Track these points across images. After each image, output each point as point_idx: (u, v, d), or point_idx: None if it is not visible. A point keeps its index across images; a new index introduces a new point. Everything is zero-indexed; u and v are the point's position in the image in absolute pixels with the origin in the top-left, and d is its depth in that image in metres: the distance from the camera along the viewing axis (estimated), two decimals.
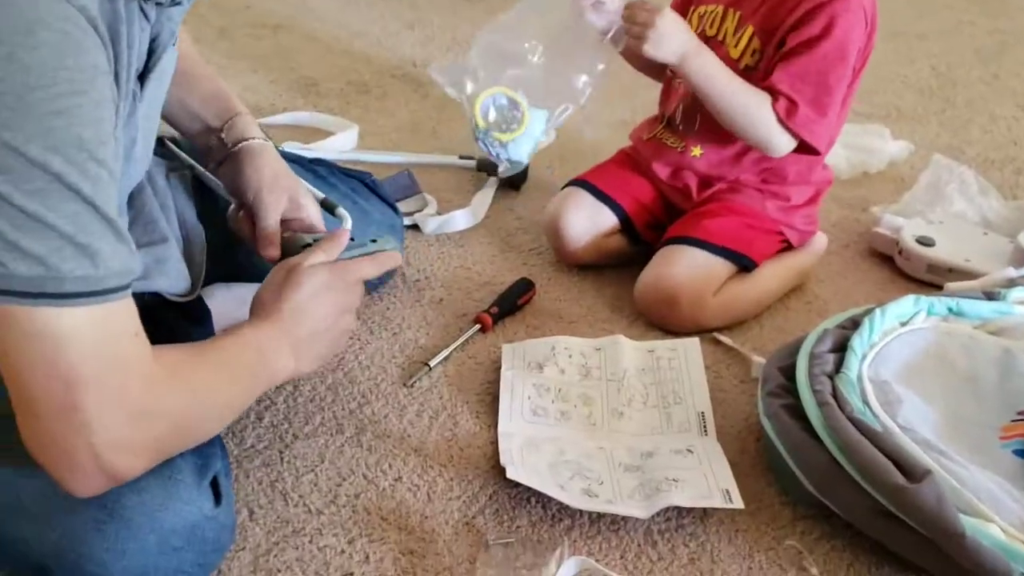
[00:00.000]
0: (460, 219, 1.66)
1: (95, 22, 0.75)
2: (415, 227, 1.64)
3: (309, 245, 1.07)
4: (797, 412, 1.09)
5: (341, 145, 1.93)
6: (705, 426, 1.20)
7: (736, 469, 1.12)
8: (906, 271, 1.58)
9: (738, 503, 1.06)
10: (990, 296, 1.28)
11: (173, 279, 1.03)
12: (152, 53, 0.90)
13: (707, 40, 1.42)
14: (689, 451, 1.15)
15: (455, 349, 1.35)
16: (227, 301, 1.34)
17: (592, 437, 1.19)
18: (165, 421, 0.83)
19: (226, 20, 2.65)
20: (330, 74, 2.30)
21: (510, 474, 1.08)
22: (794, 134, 1.35)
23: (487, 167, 1.81)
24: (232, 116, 1.16)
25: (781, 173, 1.46)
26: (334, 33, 2.56)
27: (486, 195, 1.75)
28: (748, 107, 1.35)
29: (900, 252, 1.58)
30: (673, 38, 1.33)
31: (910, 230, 1.59)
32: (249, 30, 2.58)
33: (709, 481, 1.09)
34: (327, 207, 1.22)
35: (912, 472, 0.98)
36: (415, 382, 1.29)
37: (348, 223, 1.18)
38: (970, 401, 1.13)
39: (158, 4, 0.86)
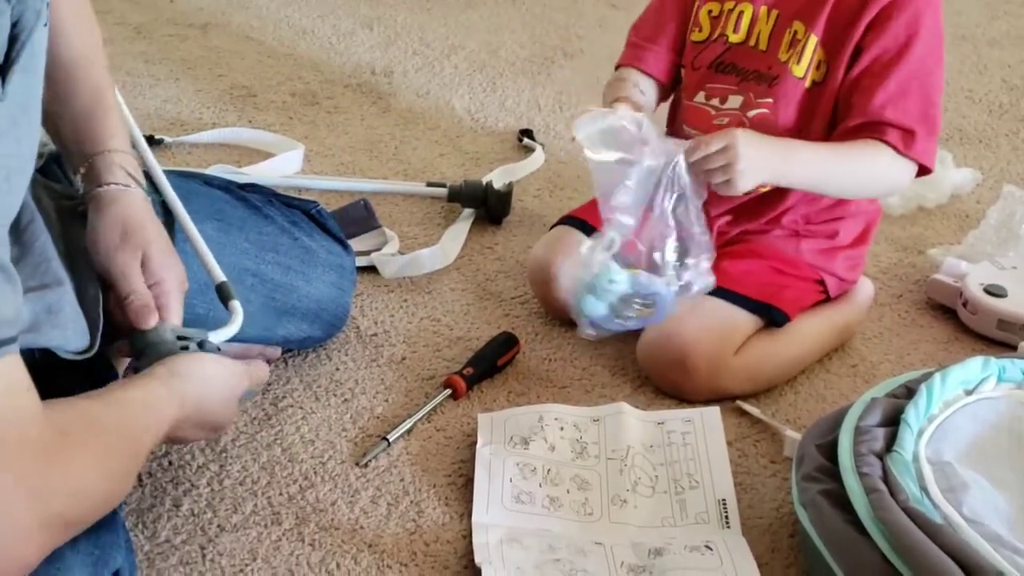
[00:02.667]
0: (427, 259, 1.67)
1: None
2: (371, 269, 1.64)
3: (186, 349, 1.09)
4: (840, 500, 1.09)
5: (282, 168, 1.94)
6: (727, 517, 1.20)
7: (765, 570, 1.12)
8: (972, 327, 1.59)
9: None
10: None
11: (70, 332, 1.03)
12: (15, 40, 0.90)
13: (726, 49, 1.45)
14: (708, 548, 1.15)
15: (420, 420, 1.35)
16: None
17: (588, 530, 1.19)
18: (64, 493, 0.84)
19: (144, 16, 2.67)
20: (270, 83, 2.32)
21: (478, 558, 1.08)
22: (914, 163, 1.39)
23: (461, 197, 1.82)
24: (93, 155, 1.14)
25: (834, 203, 1.49)
26: (275, 33, 2.58)
27: (459, 230, 1.76)
28: (861, 170, 1.39)
29: (965, 304, 1.59)
30: (760, 160, 1.32)
31: (976, 277, 1.60)
32: (172, 29, 2.60)
33: None
34: (222, 295, 1.19)
35: (980, 574, 0.98)
36: (370, 460, 1.28)
37: (234, 326, 1.17)
38: None
39: None
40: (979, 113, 2.35)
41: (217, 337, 1.13)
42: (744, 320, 1.43)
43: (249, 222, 1.34)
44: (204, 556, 1.14)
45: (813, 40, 1.41)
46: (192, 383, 1.03)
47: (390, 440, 1.31)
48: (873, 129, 1.37)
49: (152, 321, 1.09)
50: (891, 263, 1.76)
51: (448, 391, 1.39)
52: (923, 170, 1.41)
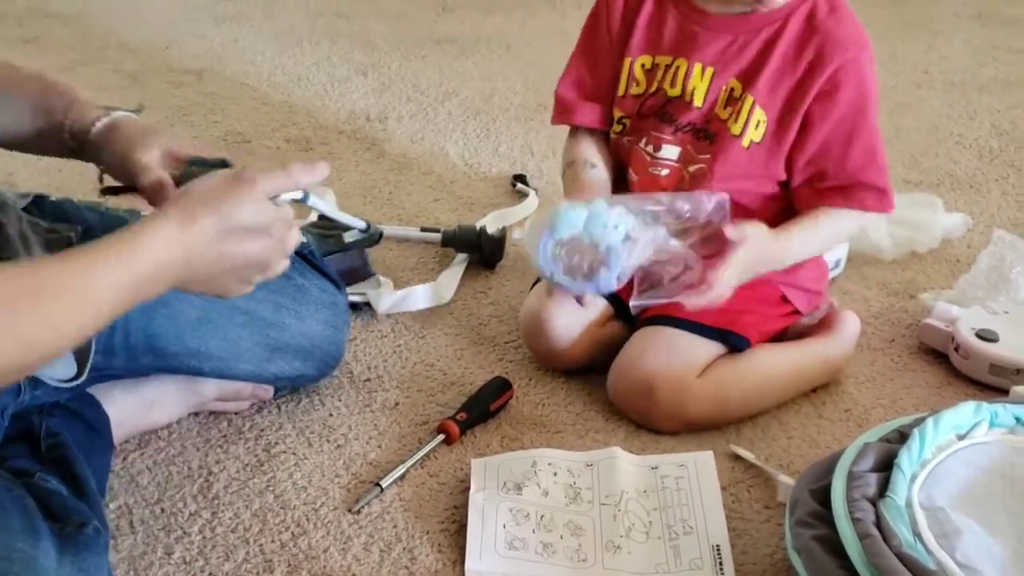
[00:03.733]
0: (421, 296, 1.68)
1: None
2: (365, 312, 1.65)
3: (224, 164, 1.11)
4: (833, 546, 1.09)
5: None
6: (721, 563, 1.20)
7: None
8: (964, 372, 1.59)
9: None
10: None
11: (60, 362, 1.03)
12: None
13: (667, 101, 1.48)
14: None
15: (413, 465, 1.34)
16: (129, 404, 1.34)
17: (583, 574, 1.19)
18: None
19: (139, 63, 2.69)
20: (264, 129, 2.33)
21: None
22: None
23: (455, 242, 1.83)
24: (71, 103, 1.20)
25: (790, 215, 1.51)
26: (270, 79, 2.60)
27: (454, 275, 1.77)
28: (831, 239, 1.51)
29: (956, 349, 1.60)
30: (737, 273, 1.36)
31: (968, 322, 1.61)
32: (168, 75, 2.62)
33: None
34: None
35: None
36: (363, 507, 1.28)
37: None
38: None
39: None
40: (969, 158, 2.36)
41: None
42: (704, 347, 1.46)
43: None
44: None
45: (750, 100, 1.44)
46: (222, 244, 1.00)
47: (383, 486, 1.30)
48: (849, 195, 1.45)
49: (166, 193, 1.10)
50: (883, 307, 1.76)
51: (441, 436, 1.39)
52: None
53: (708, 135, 1.47)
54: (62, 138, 1.20)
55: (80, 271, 0.91)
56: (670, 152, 1.49)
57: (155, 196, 1.12)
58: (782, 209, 1.50)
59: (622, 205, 1.30)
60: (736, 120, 1.45)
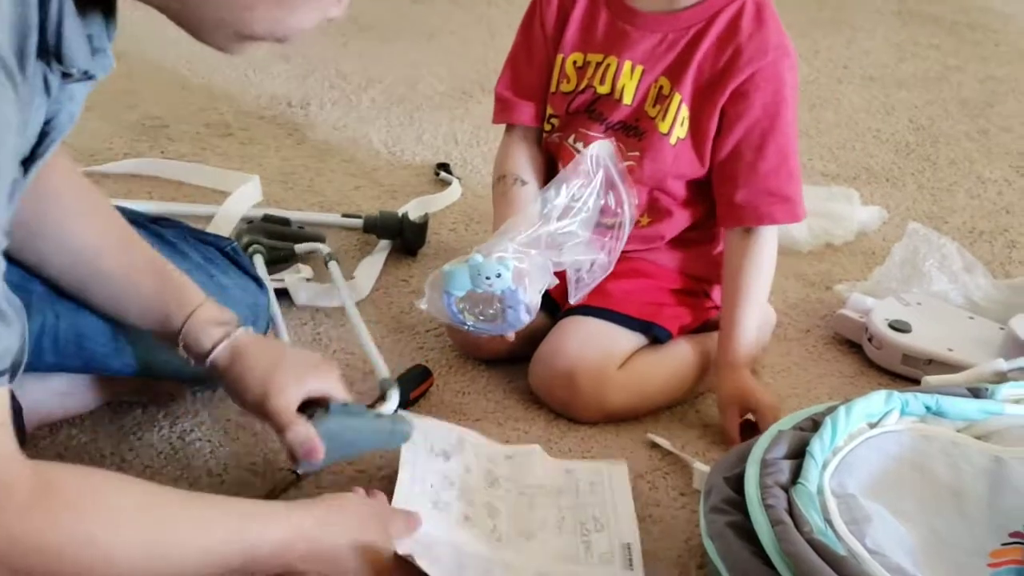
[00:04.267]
0: (339, 293, 1.66)
1: (13, 77, 0.75)
2: (283, 301, 1.63)
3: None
4: (746, 532, 1.10)
5: (246, 201, 1.93)
6: (631, 559, 1.21)
7: None
8: (877, 361, 1.62)
9: None
10: (976, 393, 1.30)
11: None
12: (44, 137, 0.90)
13: (596, 98, 1.49)
14: None
15: None
16: (41, 393, 1.31)
17: (498, 553, 1.19)
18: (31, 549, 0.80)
19: None
20: (182, 113, 2.30)
21: (401, 549, 1.06)
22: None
23: (377, 228, 1.82)
24: (183, 324, 1.17)
25: (710, 214, 1.53)
26: (188, 64, 2.56)
27: (375, 263, 1.76)
28: (765, 273, 1.50)
29: (870, 339, 1.62)
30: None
31: (882, 313, 1.64)
32: None
33: None
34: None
35: None
36: (279, 495, 1.27)
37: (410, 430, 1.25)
38: (953, 520, 1.15)
39: (65, 75, 0.86)
40: (886, 152, 2.40)
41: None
42: (626, 337, 1.47)
43: (166, 257, 1.32)
44: None
45: (678, 98, 1.46)
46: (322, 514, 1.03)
47: (300, 474, 1.29)
48: (758, 210, 1.46)
49: (319, 455, 1.13)
50: (799, 298, 1.79)
51: None
52: None
53: (637, 132, 1.48)
54: (177, 350, 1.18)
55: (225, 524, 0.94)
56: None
57: (301, 452, 1.14)
58: (709, 207, 1.52)
59: (502, 240, 1.32)
60: (664, 118, 1.46)
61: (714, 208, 1.51)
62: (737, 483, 1.16)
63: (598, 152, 1.41)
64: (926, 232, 1.83)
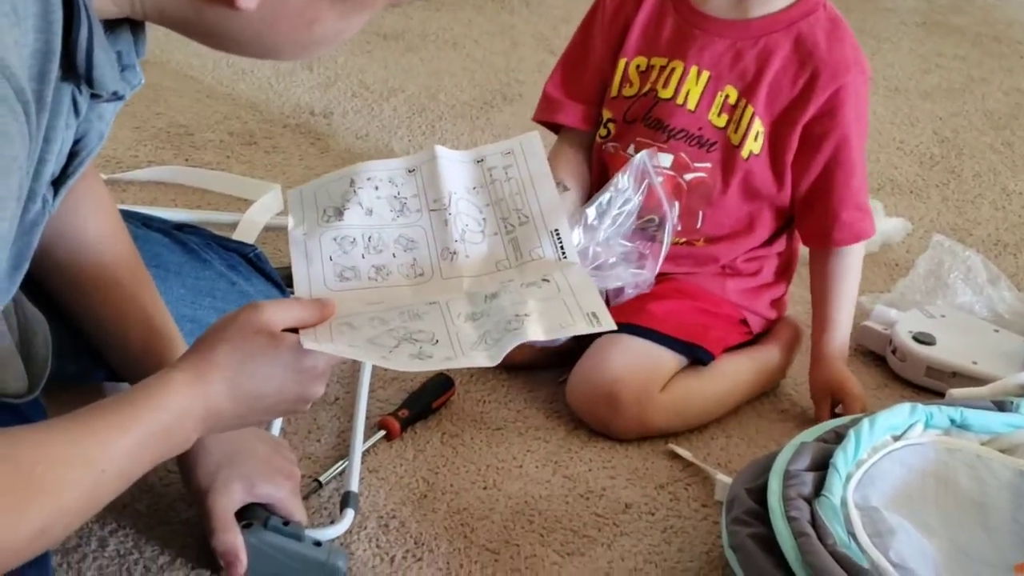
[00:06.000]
0: None
1: (28, 107, 0.76)
2: None
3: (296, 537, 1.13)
4: (768, 544, 1.10)
5: (267, 210, 1.93)
6: (562, 247, 1.13)
7: None
8: (901, 374, 1.62)
9: (607, 324, 1.01)
10: (1001, 406, 1.30)
11: (9, 376, 1.02)
12: (73, 157, 0.91)
13: (655, 103, 1.48)
14: (545, 280, 1.09)
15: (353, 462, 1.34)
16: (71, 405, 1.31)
17: (421, 292, 1.11)
18: None
19: None
20: (207, 122, 2.31)
21: (307, 344, 0.99)
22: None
23: None
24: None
25: (757, 244, 1.53)
26: (214, 72, 2.58)
27: None
28: (853, 283, 1.53)
29: (894, 351, 1.62)
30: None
31: (906, 325, 1.63)
32: None
33: (570, 306, 1.04)
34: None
35: None
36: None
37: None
38: (977, 533, 1.15)
39: (94, 96, 0.87)
40: (910, 164, 2.39)
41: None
42: (669, 358, 1.45)
43: (187, 267, 1.33)
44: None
45: (750, 111, 1.45)
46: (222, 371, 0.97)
47: (322, 482, 1.30)
48: (852, 227, 1.49)
49: (239, 570, 1.10)
50: None
51: (382, 433, 1.38)
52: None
53: (704, 143, 1.47)
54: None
55: (88, 440, 0.88)
56: (662, 160, 1.48)
57: (222, 562, 1.11)
58: (769, 233, 1.53)
59: None
60: (736, 130, 1.46)
61: (773, 237, 1.52)
62: (759, 495, 1.16)
63: (641, 161, 1.40)
64: (950, 244, 1.83)
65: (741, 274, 1.53)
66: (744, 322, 1.54)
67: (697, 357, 1.47)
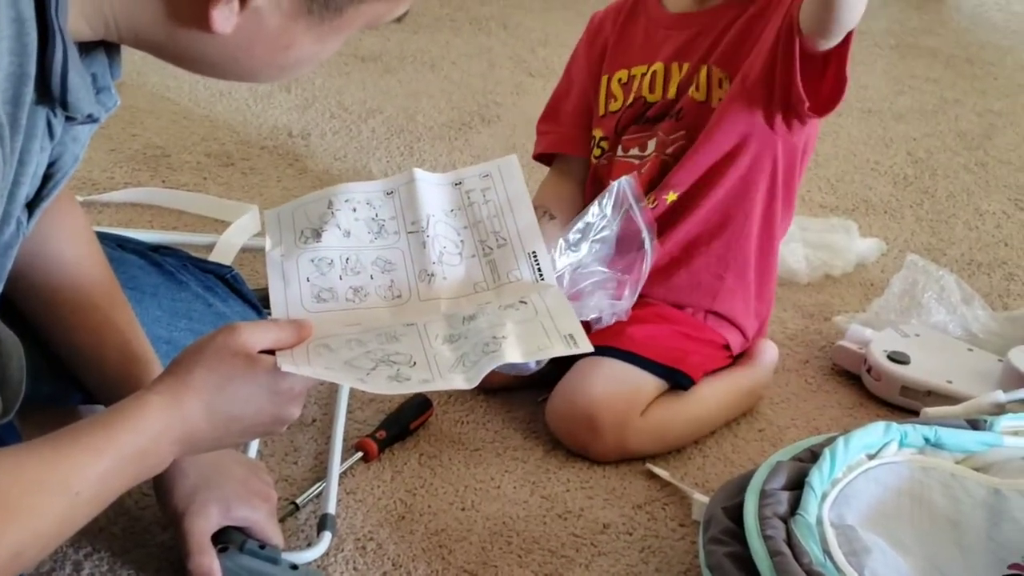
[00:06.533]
0: None
1: (2, 130, 0.76)
2: None
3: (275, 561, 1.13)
4: (745, 563, 1.10)
5: (245, 231, 1.93)
6: (540, 269, 1.14)
7: None
8: (876, 393, 1.62)
9: (585, 346, 1.03)
10: (975, 425, 1.31)
11: None
12: (48, 179, 0.91)
13: (646, 107, 1.52)
14: (522, 303, 1.11)
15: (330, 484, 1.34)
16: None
17: (399, 313, 1.12)
18: None
19: None
20: (184, 143, 2.31)
21: (284, 366, 0.99)
22: None
23: None
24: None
25: (741, 254, 1.53)
26: (191, 94, 2.58)
27: None
28: None
29: (869, 370, 1.63)
30: None
31: (880, 344, 1.64)
32: None
33: (548, 328, 1.05)
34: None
35: None
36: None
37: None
38: (952, 551, 1.15)
39: (68, 119, 0.87)
40: (884, 185, 2.41)
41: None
42: (649, 382, 1.45)
43: (162, 289, 1.33)
44: None
45: (704, 69, 1.49)
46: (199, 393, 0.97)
47: (299, 504, 1.29)
48: None
49: None
50: (797, 329, 1.79)
51: (360, 454, 1.38)
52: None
53: (674, 114, 1.50)
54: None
55: (63, 463, 0.88)
56: (650, 147, 1.52)
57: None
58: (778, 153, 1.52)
59: None
60: (698, 90, 1.49)
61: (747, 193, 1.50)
62: (736, 514, 1.16)
63: (620, 187, 1.40)
64: (924, 264, 1.84)
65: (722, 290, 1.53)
66: (726, 347, 1.54)
67: (677, 382, 1.47)
